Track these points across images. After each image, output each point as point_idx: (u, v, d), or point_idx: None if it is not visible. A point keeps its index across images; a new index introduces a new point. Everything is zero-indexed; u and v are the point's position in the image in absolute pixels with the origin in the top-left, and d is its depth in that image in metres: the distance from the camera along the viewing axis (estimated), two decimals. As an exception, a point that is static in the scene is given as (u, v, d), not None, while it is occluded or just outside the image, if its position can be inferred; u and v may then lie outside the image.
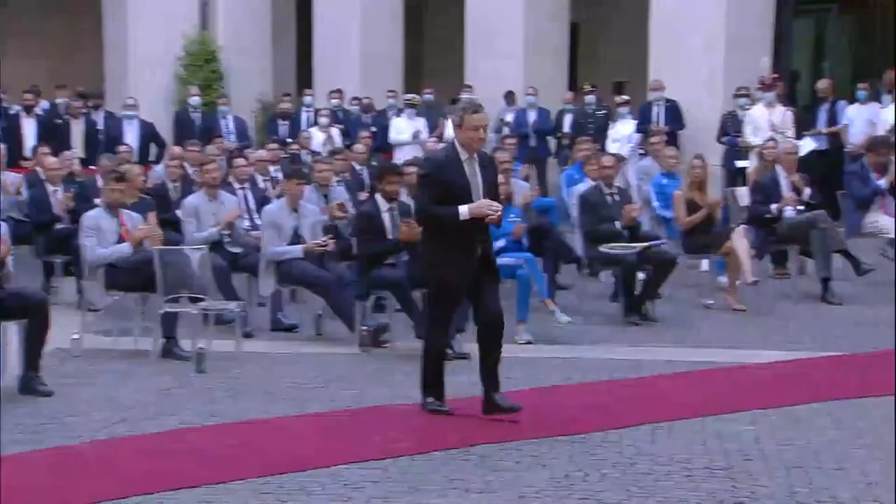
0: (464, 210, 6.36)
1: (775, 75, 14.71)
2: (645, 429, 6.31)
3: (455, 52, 18.68)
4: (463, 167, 6.46)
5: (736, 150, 14.40)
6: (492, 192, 6.54)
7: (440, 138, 14.94)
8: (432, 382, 6.65)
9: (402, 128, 15.95)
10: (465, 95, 16.30)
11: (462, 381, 7.17)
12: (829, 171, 14.12)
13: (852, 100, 14.84)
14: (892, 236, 10.71)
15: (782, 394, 7.11)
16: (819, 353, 8.37)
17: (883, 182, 10.97)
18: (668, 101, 15.28)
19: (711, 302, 10.27)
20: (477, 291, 6.50)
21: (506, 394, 6.55)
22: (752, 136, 13.77)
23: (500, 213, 6.49)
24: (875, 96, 14.77)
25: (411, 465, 5.72)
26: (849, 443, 6.01)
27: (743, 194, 12.23)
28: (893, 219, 10.84)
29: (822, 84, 15.49)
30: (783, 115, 13.97)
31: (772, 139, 12.37)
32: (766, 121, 13.85)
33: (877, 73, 15.54)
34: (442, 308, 6.61)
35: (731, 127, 14.64)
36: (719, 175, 14.37)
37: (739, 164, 14.14)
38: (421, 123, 16.06)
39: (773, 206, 10.58)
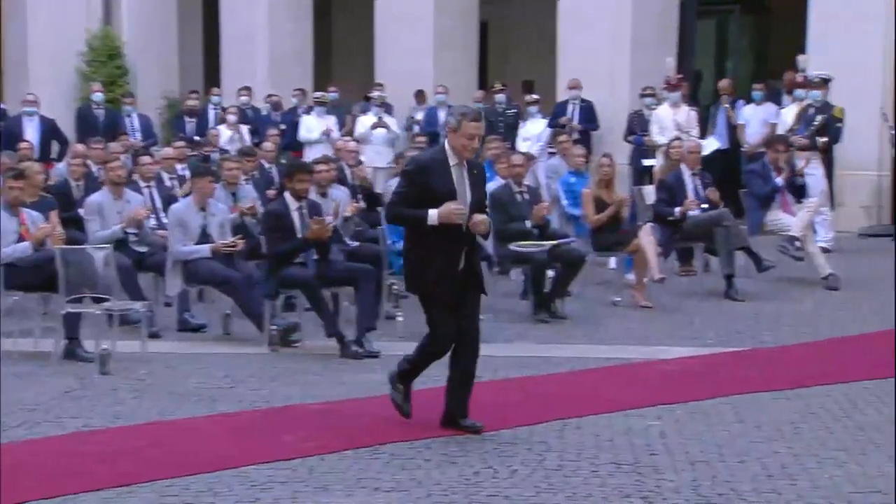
0: (433, 214, 6.08)
1: (680, 75, 14.98)
2: (554, 425, 6.37)
3: (365, 50, 18.66)
4: (450, 172, 6.19)
5: (643, 148, 14.64)
6: (479, 204, 6.25)
7: (350, 136, 14.92)
8: (410, 376, 6.41)
9: (312, 126, 15.86)
10: (376, 93, 16.32)
11: (374, 379, 7.17)
12: (729, 169, 14.49)
13: (749, 100, 15.26)
14: (792, 233, 10.95)
15: (687, 389, 7.23)
16: (723, 349, 8.53)
17: (781, 180, 11.24)
18: (583, 100, 15.48)
19: (619, 299, 10.40)
20: (457, 304, 6.20)
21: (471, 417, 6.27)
22: (659, 135, 14.01)
23: (466, 218, 6.10)
24: (771, 97, 15.17)
25: (320, 464, 5.70)
26: (750, 436, 6.14)
27: (650, 192, 12.43)
28: (793, 216, 11.09)
29: (724, 83, 15.87)
30: (688, 115, 14.26)
31: (677, 138, 12.58)
32: (671, 120, 14.10)
33: (774, 74, 15.97)
34: (434, 311, 6.25)
35: (637, 126, 14.92)
36: (626, 173, 14.60)
37: (646, 162, 14.38)
38: (332, 121, 15.98)
39: (676, 210, 10.77)
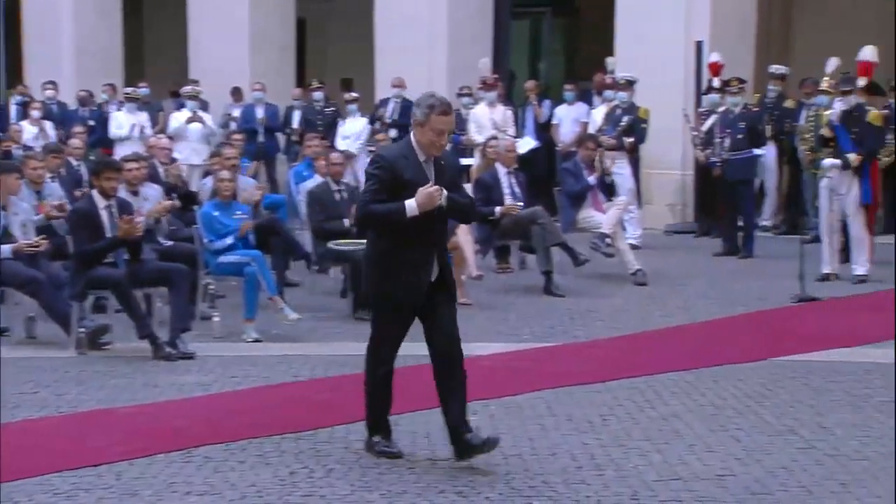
0: (411, 205, 5.40)
1: (496, 75, 15.22)
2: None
3: (177, 47, 18.27)
4: (422, 168, 5.55)
5: (460, 147, 14.78)
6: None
7: (163, 132, 14.57)
8: (378, 418, 5.78)
9: (123, 122, 15.42)
10: (188, 88, 15.97)
11: (189, 380, 7.01)
12: (543, 168, 14.84)
13: (562, 100, 15.67)
14: (603, 231, 11.26)
15: (503, 384, 7.33)
16: (538, 345, 8.69)
17: (593, 178, 11.55)
18: (404, 99, 15.56)
19: (437, 296, 10.47)
20: (430, 313, 5.62)
21: (473, 427, 5.71)
22: (476, 134, 14.20)
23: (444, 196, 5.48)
24: (582, 97, 15.62)
25: (129, 469, 5.54)
26: (561, 429, 6.28)
27: (467, 191, 12.58)
28: (604, 213, 11.41)
29: (529, 84, 16.30)
30: (504, 114, 14.52)
31: (494, 137, 12.77)
32: (488, 119, 14.33)
33: (585, 75, 16.43)
34: (388, 330, 5.67)
35: (456, 125, 15.05)
36: (445, 172, 14.70)
37: (464, 161, 14.52)
38: (143, 118, 15.58)
39: (497, 210, 10.92)
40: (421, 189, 5.41)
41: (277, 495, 5.19)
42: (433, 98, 5.57)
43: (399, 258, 5.54)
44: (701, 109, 13.76)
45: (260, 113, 16.17)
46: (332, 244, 9.68)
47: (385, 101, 15.83)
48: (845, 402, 6.73)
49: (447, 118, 5.52)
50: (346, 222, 9.82)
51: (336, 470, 5.55)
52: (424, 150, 5.55)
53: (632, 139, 13.25)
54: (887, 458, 5.53)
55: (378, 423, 5.77)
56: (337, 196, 10.08)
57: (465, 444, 5.57)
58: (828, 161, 10.89)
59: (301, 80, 18.00)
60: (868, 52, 10.76)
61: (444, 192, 5.48)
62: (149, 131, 15.18)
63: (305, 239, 10.39)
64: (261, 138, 16.05)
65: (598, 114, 14.14)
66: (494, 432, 6.15)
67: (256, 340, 8.66)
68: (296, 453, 5.82)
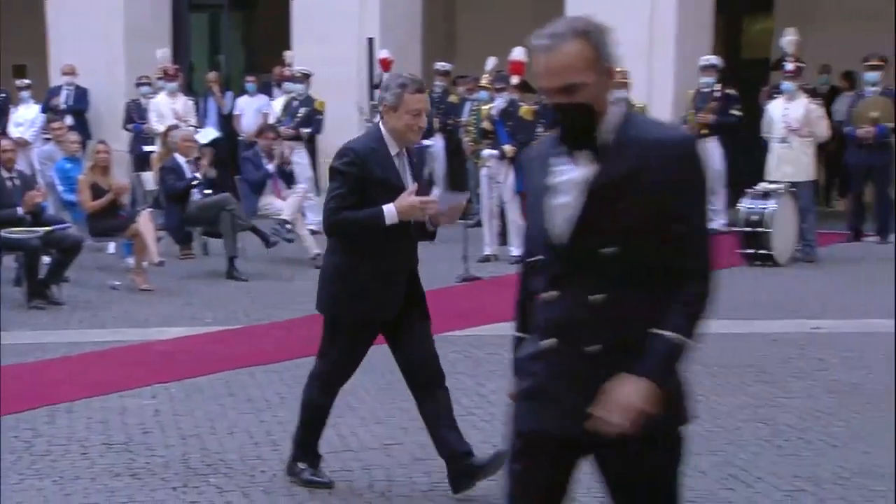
0: (390, 210, 4.52)
1: (176, 66, 14.86)
2: (43, 411, 6.04)
3: None
4: (393, 162, 4.65)
5: (142, 136, 14.34)
6: (425, 195, 4.80)
7: None
8: (310, 445, 4.93)
9: None
10: None
11: None
12: (226, 157, 14.62)
13: (243, 92, 15.51)
14: (284, 217, 11.22)
15: (184, 368, 7.15)
16: (220, 328, 8.54)
17: (272, 167, 11.50)
18: (77, 87, 14.86)
19: (119, 283, 10.09)
20: (402, 331, 4.75)
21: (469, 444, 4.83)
22: (157, 123, 13.79)
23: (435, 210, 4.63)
24: (263, 89, 15.53)
25: None
26: (240, 409, 6.19)
27: (148, 179, 12.21)
28: (284, 201, 11.39)
29: (211, 75, 16.09)
30: (185, 104, 14.20)
31: (174, 126, 12.44)
32: (169, 109, 13.96)
33: (266, 68, 16.34)
34: (351, 353, 4.78)
35: (135, 114, 14.62)
36: (127, 160, 14.24)
37: (147, 149, 14.10)
38: None
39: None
40: (412, 198, 4.54)
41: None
42: (403, 77, 4.71)
43: (370, 270, 4.64)
44: (373, 102, 13.99)
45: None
46: (4, 232, 9.09)
47: (57, 89, 15.08)
48: (500, 373, 7.02)
49: (422, 95, 4.64)
50: (20, 210, 9.25)
51: (6, 459, 5.22)
52: (399, 139, 4.64)
53: (308, 130, 13.29)
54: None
55: (307, 450, 4.93)
56: (9, 184, 9.46)
57: (474, 469, 4.71)
58: (487, 152, 11.38)
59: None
60: (519, 53, 11.30)
61: (433, 207, 4.63)
62: None
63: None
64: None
65: (278, 105, 14.11)
66: (174, 414, 6.02)
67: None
68: (-35, 447, 5.41)
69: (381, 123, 4.67)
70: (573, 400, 2.70)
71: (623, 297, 2.66)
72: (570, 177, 2.71)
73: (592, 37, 2.66)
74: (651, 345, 2.65)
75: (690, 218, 2.68)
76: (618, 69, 2.74)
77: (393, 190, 4.58)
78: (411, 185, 4.64)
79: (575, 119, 2.68)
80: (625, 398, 2.60)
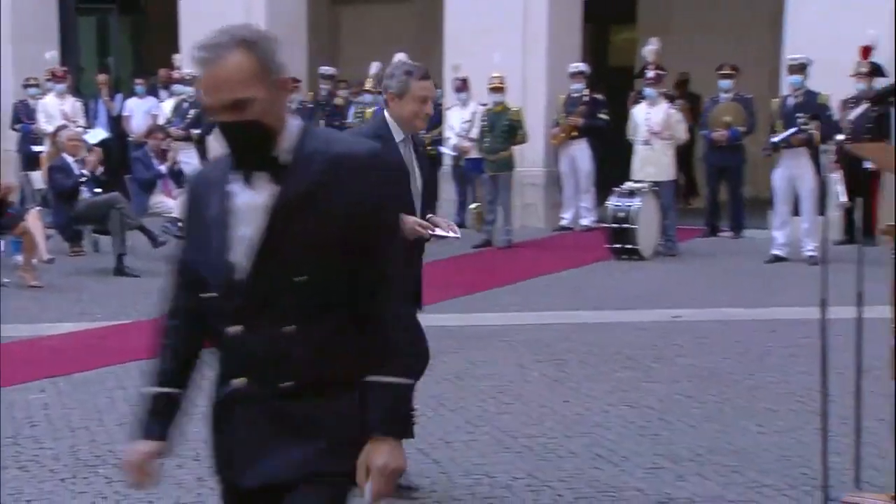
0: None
1: (64, 68, 14.52)
2: (-69, 408, 5.82)
3: None
4: (400, 152, 4.38)
5: (31, 136, 13.97)
6: (429, 188, 4.59)
7: None
8: None
9: None
10: None
11: None
12: (116, 157, 14.34)
13: (133, 94, 15.19)
14: (175, 215, 11.04)
15: (73, 362, 6.98)
16: (109, 323, 8.34)
17: (164, 167, 11.32)
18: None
19: (8, 280, 9.78)
20: None
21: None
22: (46, 123, 13.45)
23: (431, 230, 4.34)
24: (151, 91, 15.26)
25: None
26: (130, 401, 6.04)
27: (37, 178, 11.87)
28: (174, 199, 11.21)
29: (101, 78, 15.77)
30: (73, 106, 13.97)
31: (63, 127, 12.12)
32: (58, 110, 13.66)
33: (154, 71, 16.05)
34: None
35: (24, 114, 14.27)
36: (15, 160, 13.85)
37: (36, 148, 13.72)
38: None
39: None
40: (410, 219, 4.24)
41: None
42: (407, 63, 4.51)
43: None
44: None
45: None
46: None
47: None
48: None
49: (428, 82, 4.40)
50: None
51: None
52: (405, 126, 4.38)
53: (198, 130, 13.10)
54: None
55: None
56: None
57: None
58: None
59: None
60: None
61: (434, 228, 4.37)
62: None
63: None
64: None
65: (167, 106, 13.88)
66: (63, 408, 5.86)
67: None
68: None
69: (385, 111, 4.43)
70: (261, 448, 2.37)
71: (317, 328, 2.33)
72: (248, 202, 2.33)
73: (258, 47, 2.28)
74: (375, 396, 2.34)
75: (379, 235, 2.35)
76: (288, 78, 2.39)
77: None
78: (417, 177, 4.42)
79: (247, 138, 2.28)
80: (385, 467, 2.33)
